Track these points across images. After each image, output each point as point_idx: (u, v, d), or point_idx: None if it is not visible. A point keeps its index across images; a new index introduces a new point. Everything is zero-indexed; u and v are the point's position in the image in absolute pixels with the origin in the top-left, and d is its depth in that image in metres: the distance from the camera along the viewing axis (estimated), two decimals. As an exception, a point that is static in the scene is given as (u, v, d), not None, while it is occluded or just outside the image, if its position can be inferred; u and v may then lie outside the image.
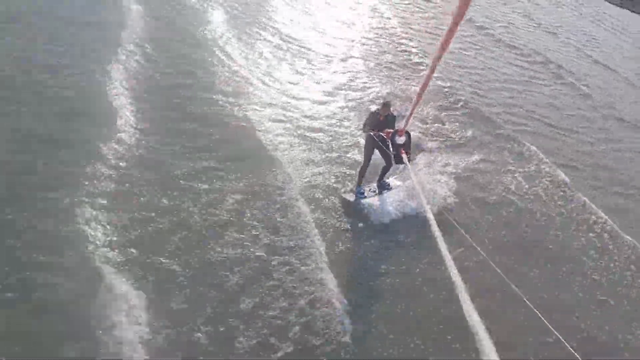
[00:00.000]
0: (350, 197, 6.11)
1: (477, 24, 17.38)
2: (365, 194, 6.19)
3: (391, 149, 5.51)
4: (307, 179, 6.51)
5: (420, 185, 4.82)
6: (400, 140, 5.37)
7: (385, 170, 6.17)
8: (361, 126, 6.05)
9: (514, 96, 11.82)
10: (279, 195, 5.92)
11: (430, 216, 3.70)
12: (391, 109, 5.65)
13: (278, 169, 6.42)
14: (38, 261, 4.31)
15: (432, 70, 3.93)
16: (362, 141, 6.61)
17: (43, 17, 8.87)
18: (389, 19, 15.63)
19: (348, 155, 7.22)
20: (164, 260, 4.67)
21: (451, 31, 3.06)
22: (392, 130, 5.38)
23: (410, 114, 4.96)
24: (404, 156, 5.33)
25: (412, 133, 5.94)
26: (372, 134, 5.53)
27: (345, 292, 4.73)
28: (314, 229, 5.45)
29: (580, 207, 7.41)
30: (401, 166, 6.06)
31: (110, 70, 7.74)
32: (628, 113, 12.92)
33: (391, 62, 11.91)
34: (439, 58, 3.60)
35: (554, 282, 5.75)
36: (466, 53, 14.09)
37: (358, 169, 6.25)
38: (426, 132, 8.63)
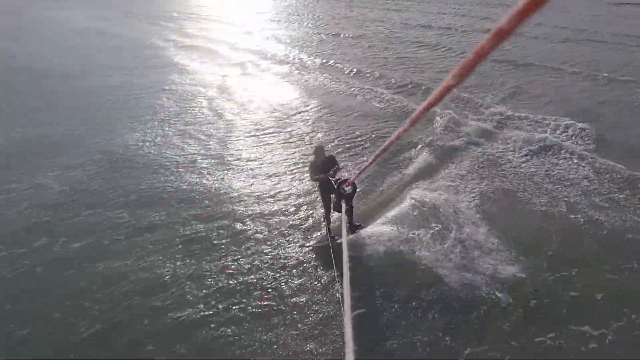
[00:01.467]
0: (323, 243, 5.98)
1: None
2: (338, 239, 5.97)
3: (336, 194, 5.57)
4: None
5: (346, 236, 4.31)
6: (347, 189, 5.40)
7: (349, 212, 5.92)
8: (312, 179, 5.83)
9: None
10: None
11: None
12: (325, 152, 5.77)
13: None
14: None
15: (397, 138, 2.93)
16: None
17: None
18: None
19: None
20: None
21: (425, 109, 1.91)
22: (340, 179, 5.43)
23: (364, 168, 4.59)
24: (343, 205, 5.27)
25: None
26: (322, 177, 5.49)
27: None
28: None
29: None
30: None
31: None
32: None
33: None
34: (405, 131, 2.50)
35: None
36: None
37: (323, 219, 6.15)
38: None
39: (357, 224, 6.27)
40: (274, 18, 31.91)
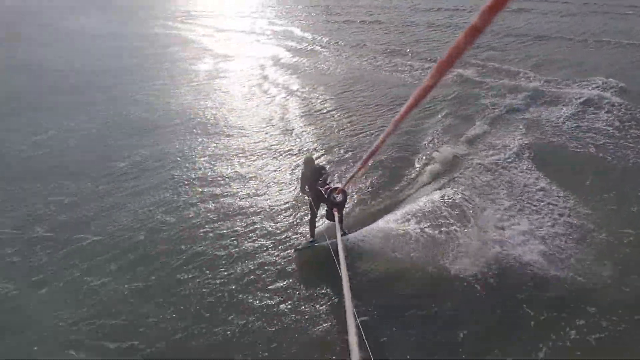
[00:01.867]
0: (305, 246, 6.03)
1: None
2: (317, 243, 6.03)
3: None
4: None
5: (342, 245, 4.33)
6: (338, 198, 5.37)
7: (340, 220, 5.75)
8: (302, 191, 5.85)
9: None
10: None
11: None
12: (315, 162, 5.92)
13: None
14: None
15: (382, 142, 2.90)
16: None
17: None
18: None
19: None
20: None
21: (408, 109, 1.89)
22: (330, 187, 5.41)
23: (353, 175, 4.62)
24: (335, 214, 5.29)
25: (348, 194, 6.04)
26: (309, 192, 5.57)
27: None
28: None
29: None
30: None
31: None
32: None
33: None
34: (389, 134, 2.48)
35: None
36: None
37: (308, 223, 6.05)
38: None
39: (346, 230, 6.22)
40: (285, 11, 32.22)
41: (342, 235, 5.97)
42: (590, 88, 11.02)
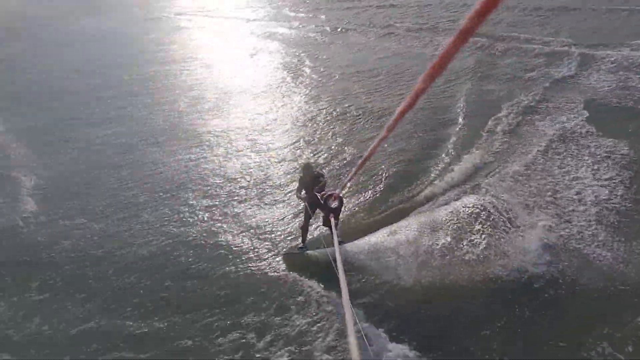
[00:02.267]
0: (293, 251, 6.11)
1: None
2: (309, 249, 6.08)
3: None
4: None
5: (339, 250, 4.24)
6: (334, 204, 5.34)
7: (336, 226, 5.64)
8: (297, 196, 5.91)
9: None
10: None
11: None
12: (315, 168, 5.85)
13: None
14: None
15: (375, 148, 2.93)
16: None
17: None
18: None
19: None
20: None
21: (402, 113, 1.92)
22: (325, 193, 5.35)
23: (348, 180, 4.54)
24: (332, 220, 5.20)
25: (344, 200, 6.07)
26: (306, 197, 5.60)
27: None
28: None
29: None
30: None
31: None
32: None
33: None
34: (383, 138, 2.50)
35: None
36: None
37: (301, 227, 6.07)
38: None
39: (340, 240, 6.21)
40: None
41: (340, 244, 6.01)
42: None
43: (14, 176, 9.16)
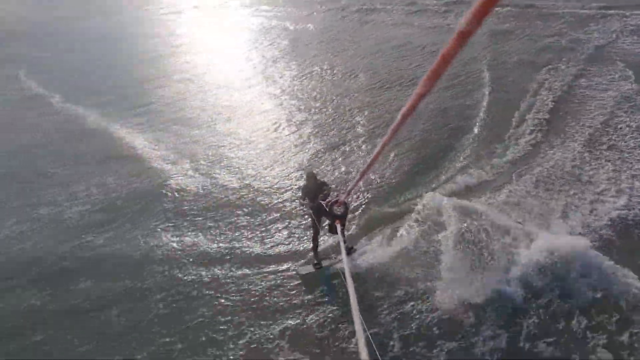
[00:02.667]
0: (309, 269, 5.88)
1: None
2: (323, 264, 5.90)
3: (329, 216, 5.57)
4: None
5: (346, 254, 4.43)
6: (339, 210, 5.35)
7: (342, 233, 5.60)
8: (300, 202, 5.92)
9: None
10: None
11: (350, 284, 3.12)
12: (317, 176, 5.86)
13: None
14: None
15: (379, 153, 2.94)
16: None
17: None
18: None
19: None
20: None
21: (403, 119, 1.90)
22: (330, 200, 5.35)
23: (353, 186, 4.52)
24: (338, 227, 5.24)
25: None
26: (310, 204, 5.55)
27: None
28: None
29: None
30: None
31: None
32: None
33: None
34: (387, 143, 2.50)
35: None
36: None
37: (311, 241, 5.93)
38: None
39: (350, 246, 6.12)
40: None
41: (347, 250, 5.93)
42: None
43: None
